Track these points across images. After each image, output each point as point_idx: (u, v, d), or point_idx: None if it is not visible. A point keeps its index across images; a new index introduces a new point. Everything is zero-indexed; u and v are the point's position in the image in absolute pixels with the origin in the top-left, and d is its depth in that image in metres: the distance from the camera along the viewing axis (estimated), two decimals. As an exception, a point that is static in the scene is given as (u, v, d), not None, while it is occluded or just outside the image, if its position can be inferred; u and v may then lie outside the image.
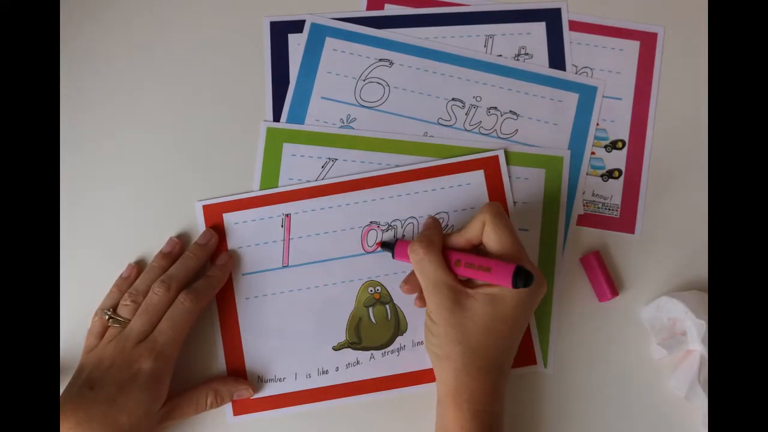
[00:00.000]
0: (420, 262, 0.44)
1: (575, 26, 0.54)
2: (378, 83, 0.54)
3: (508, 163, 0.52)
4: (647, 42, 0.54)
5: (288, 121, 0.53)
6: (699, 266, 0.51)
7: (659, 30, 0.54)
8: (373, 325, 0.50)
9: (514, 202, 0.51)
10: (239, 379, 0.49)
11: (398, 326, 0.50)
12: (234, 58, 0.54)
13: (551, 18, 0.54)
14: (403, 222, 0.50)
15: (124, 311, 0.47)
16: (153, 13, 0.56)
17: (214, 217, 0.51)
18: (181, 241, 0.51)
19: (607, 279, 0.50)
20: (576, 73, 0.54)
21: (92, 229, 0.52)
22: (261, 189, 0.52)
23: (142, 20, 0.55)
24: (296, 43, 0.54)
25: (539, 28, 0.54)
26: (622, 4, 0.54)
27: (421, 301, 0.47)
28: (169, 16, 0.55)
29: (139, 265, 0.51)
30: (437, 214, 0.50)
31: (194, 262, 0.49)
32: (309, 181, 0.51)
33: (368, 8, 0.55)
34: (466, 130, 0.53)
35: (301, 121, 0.53)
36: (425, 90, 0.54)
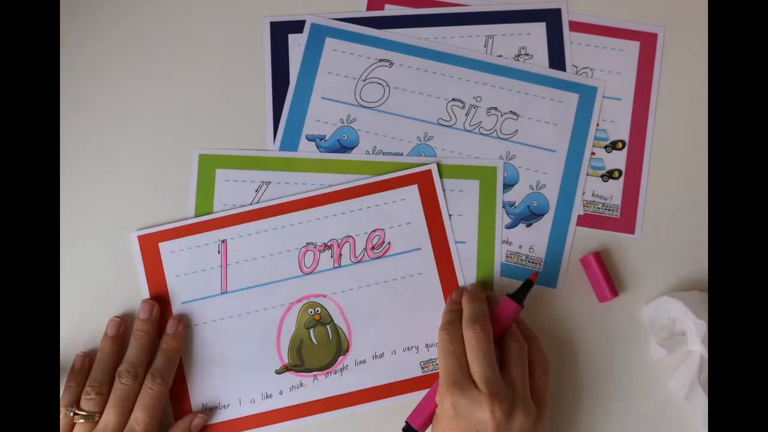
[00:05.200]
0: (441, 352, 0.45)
1: (575, 26, 0.54)
2: (378, 83, 0.54)
3: (441, 177, 0.52)
4: (647, 42, 0.54)
5: (288, 121, 0.53)
6: (699, 266, 0.51)
7: (659, 30, 0.54)
8: (315, 346, 0.50)
9: (450, 215, 0.51)
10: (188, 415, 0.48)
11: (340, 346, 0.50)
12: (234, 58, 0.54)
13: (551, 18, 0.54)
14: (339, 241, 0.50)
15: (89, 405, 0.45)
16: (152, 13, 0.56)
17: (150, 247, 0.51)
18: (125, 320, 0.50)
19: (607, 279, 0.50)
20: (576, 73, 0.54)
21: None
22: (196, 216, 0.51)
23: (141, 20, 0.55)
24: (296, 43, 0.54)
25: (539, 29, 0.54)
26: (622, 4, 0.55)
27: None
28: (168, 16, 0.55)
29: (88, 354, 0.49)
30: (374, 230, 0.51)
31: (147, 340, 0.48)
32: (243, 206, 0.51)
33: (368, 8, 0.55)
34: (466, 130, 0.53)
35: (301, 121, 0.53)
36: (425, 90, 0.54)
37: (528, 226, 0.52)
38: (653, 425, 0.49)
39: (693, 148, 0.53)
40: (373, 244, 0.50)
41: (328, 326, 0.50)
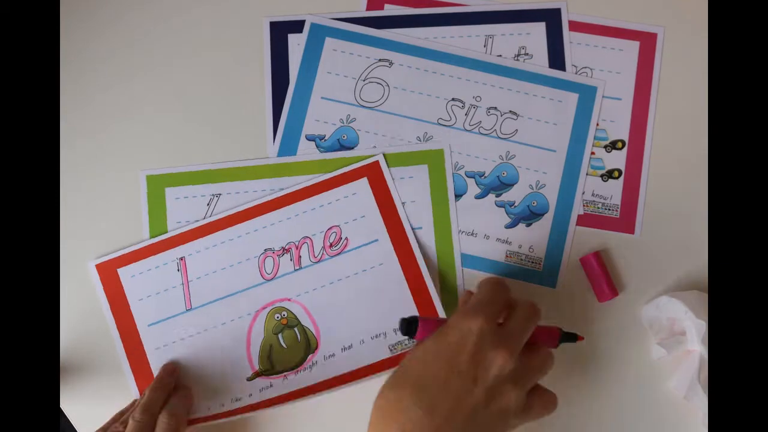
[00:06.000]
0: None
1: (575, 26, 0.54)
2: (378, 83, 0.54)
3: (389, 166, 0.52)
4: (647, 42, 0.54)
5: (288, 121, 0.53)
6: (699, 266, 0.51)
7: (659, 30, 0.54)
8: (284, 349, 0.50)
9: (403, 203, 0.51)
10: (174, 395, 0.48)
11: (309, 346, 0.50)
12: (234, 58, 0.54)
13: (551, 18, 0.54)
14: (297, 243, 0.50)
15: None
16: (152, 13, 0.56)
17: (110, 274, 0.51)
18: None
19: (607, 279, 0.50)
20: (576, 73, 0.54)
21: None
22: (151, 237, 0.51)
23: (141, 20, 0.55)
24: (296, 43, 0.54)
25: (539, 28, 0.54)
26: (622, 4, 0.54)
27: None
28: (168, 15, 0.55)
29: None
30: (330, 228, 0.51)
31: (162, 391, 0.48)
32: (197, 221, 0.51)
33: (368, 8, 0.55)
34: (466, 130, 0.53)
35: (301, 121, 0.53)
36: (425, 90, 0.54)
37: (528, 225, 0.52)
38: (653, 425, 0.49)
39: (693, 148, 0.53)
40: (331, 241, 0.51)
41: (295, 328, 0.50)
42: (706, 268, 0.51)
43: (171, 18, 0.55)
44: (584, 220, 0.52)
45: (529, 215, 0.52)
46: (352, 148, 0.53)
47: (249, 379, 0.49)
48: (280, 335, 0.50)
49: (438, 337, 0.42)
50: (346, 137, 0.53)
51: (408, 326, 0.43)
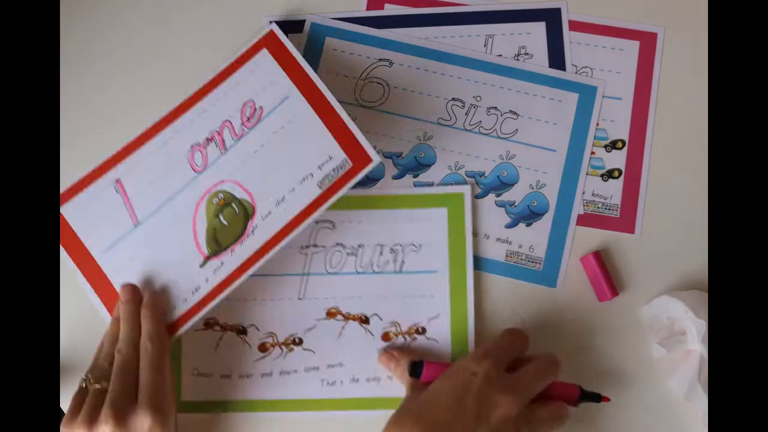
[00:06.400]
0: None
1: (575, 26, 0.54)
2: (378, 83, 0.54)
3: (408, 206, 0.52)
4: (647, 42, 0.54)
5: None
6: (699, 266, 0.51)
7: (659, 30, 0.54)
8: (227, 226, 0.50)
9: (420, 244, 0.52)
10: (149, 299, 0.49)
11: (246, 214, 0.50)
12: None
13: (551, 18, 0.54)
14: (218, 129, 0.51)
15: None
16: (152, 13, 0.56)
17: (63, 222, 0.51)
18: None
19: (607, 279, 0.50)
20: (576, 73, 0.54)
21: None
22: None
23: (141, 20, 0.55)
24: (296, 43, 0.54)
25: (539, 28, 0.54)
26: (622, 4, 0.54)
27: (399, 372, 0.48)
28: (168, 15, 0.55)
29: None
30: (244, 104, 0.51)
31: (133, 321, 0.48)
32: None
33: (368, 8, 0.55)
34: (466, 129, 0.53)
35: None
36: (425, 90, 0.54)
37: (528, 225, 0.52)
38: (653, 425, 0.49)
39: (693, 148, 0.53)
40: (248, 115, 0.51)
41: (232, 204, 0.51)
42: (706, 268, 0.51)
43: (171, 18, 0.55)
44: (584, 220, 0.52)
45: (529, 215, 0.52)
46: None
47: (201, 266, 0.50)
48: (220, 215, 0.51)
49: (445, 378, 0.44)
50: (346, 137, 0.53)
51: (413, 368, 0.46)
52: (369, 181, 0.53)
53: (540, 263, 0.52)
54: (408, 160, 0.53)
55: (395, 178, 0.53)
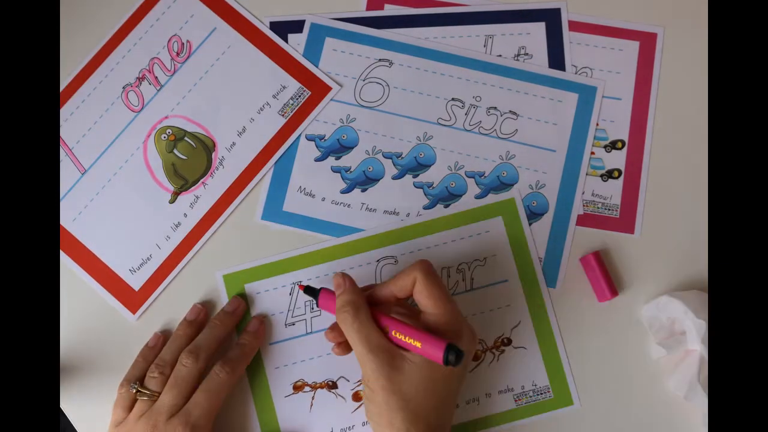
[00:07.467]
0: (350, 330, 0.42)
1: (575, 26, 0.54)
2: (378, 83, 0.54)
3: (462, 224, 0.51)
4: (647, 42, 0.54)
5: (288, 121, 0.53)
6: (699, 266, 0.51)
7: (659, 30, 0.54)
8: (186, 160, 0.51)
9: (485, 258, 0.51)
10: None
11: (206, 147, 0.51)
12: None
13: (551, 18, 0.54)
14: (147, 67, 0.52)
15: (152, 384, 0.46)
16: (153, 13, 0.56)
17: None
18: (205, 308, 0.50)
19: (606, 279, 0.50)
20: (576, 73, 0.54)
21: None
22: None
23: (141, 20, 0.55)
24: (296, 43, 0.54)
25: (539, 28, 0.54)
26: (622, 4, 0.55)
27: (342, 349, 0.46)
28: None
29: (165, 334, 0.50)
30: (169, 39, 0.52)
31: (221, 331, 0.48)
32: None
33: (368, 8, 0.55)
34: (466, 130, 0.53)
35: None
36: (425, 90, 0.54)
37: (528, 225, 0.52)
38: (653, 425, 0.49)
39: (693, 148, 0.53)
40: (176, 51, 0.52)
41: (185, 138, 0.51)
42: (706, 268, 0.51)
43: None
44: (584, 220, 0.52)
45: (529, 215, 0.52)
46: (352, 148, 0.53)
47: (171, 202, 0.51)
48: (175, 150, 0.51)
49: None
50: (345, 137, 0.53)
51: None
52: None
53: (540, 263, 0.52)
54: (408, 160, 0.53)
55: (395, 178, 0.53)
